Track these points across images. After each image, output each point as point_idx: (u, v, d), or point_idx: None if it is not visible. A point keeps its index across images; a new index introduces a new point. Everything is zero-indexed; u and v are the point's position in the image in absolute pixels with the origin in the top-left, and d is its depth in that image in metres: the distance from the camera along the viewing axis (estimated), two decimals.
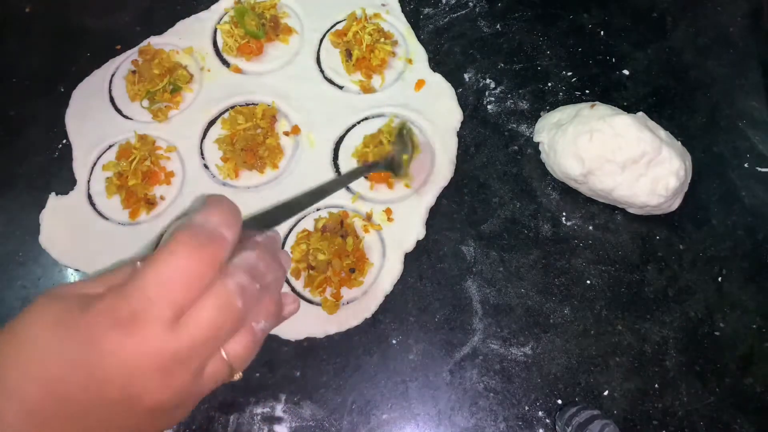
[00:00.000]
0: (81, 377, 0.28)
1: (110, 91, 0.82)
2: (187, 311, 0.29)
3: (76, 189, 0.76)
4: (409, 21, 0.86)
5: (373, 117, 0.79)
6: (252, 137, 0.75)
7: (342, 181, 0.66)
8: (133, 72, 0.80)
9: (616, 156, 0.68)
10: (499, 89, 0.82)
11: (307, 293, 0.69)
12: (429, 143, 0.77)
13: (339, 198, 0.74)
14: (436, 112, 0.79)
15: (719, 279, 0.71)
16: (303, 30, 0.85)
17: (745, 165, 0.77)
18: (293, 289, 0.70)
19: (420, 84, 0.81)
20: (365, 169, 0.69)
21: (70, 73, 0.83)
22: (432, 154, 0.76)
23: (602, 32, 0.85)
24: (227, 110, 0.79)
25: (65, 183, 0.76)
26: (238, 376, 0.34)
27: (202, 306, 0.29)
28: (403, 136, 0.72)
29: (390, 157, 0.71)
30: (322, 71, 0.83)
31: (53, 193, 0.76)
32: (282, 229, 0.73)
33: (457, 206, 0.74)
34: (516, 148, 0.78)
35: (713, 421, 0.64)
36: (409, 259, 0.71)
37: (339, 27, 0.84)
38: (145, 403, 0.29)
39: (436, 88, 0.81)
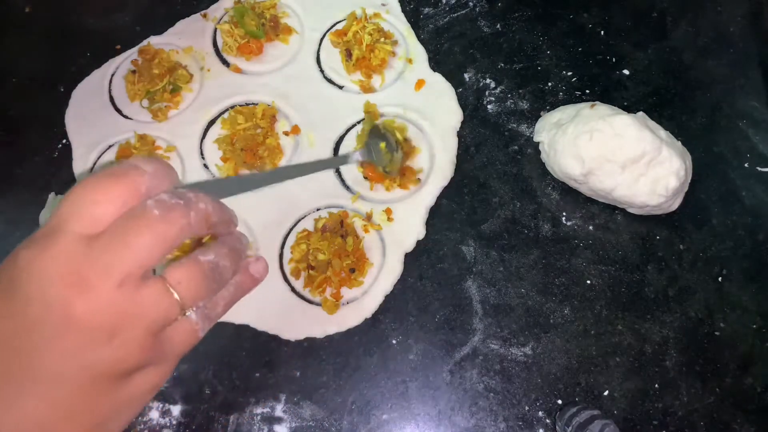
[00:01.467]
0: (3, 301, 0.28)
1: (110, 91, 0.82)
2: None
3: None
4: (409, 21, 0.86)
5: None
6: (252, 137, 0.75)
7: (306, 168, 0.62)
8: (133, 72, 0.80)
9: (617, 156, 0.67)
10: (499, 89, 0.82)
11: (307, 293, 0.69)
12: (428, 142, 0.77)
13: (339, 198, 0.74)
14: (436, 112, 0.79)
15: (719, 279, 0.71)
16: (303, 30, 0.85)
17: (746, 165, 0.77)
18: (293, 289, 0.70)
19: (420, 84, 0.81)
20: (340, 160, 0.70)
21: (70, 73, 0.83)
22: (431, 153, 0.76)
23: (602, 32, 0.85)
24: (227, 110, 0.79)
25: (65, 183, 0.76)
26: (193, 317, 0.32)
27: (118, 220, 0.29)
28: (378, 127, 0.73)
29: (366, 145, 0.71)
30: (322, 71, 0.83)
31: (53, 193, 0.75)
32: (282, 229, 0.73)
33: (457, 206, 0.74)
34: (516, 148, 0.78)
35: (713, 421, 0.64)
36: (409, 259, 0.71)
37: (339, 27, 0.84)
38: (74, 320, 0.28)
39: (436, 87, 0.81)
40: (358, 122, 0.79)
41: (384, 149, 0.71)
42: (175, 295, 0.30)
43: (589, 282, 0.71)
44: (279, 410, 0.65)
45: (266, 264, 0.38)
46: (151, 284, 0.30)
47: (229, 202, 0.36)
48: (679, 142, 0.73)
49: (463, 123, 0.79)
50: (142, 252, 0.29)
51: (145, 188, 0.30)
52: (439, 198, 0.74)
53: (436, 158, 0.76)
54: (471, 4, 0.88)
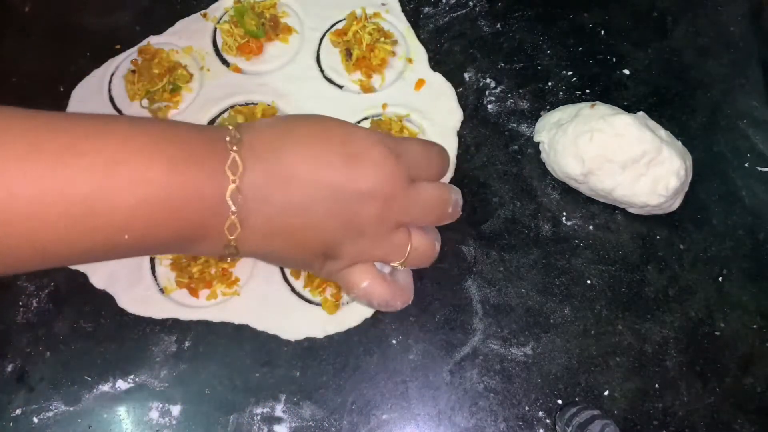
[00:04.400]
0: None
1: (110, 90, 0.82)
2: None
3: None
4: (409, 20, 0.86)
5: (373, 117, 0.79)
6: None
7: None
8: (133, 71, 0.80)
9: (617, 156, 0.67)
10: (499, 89, 0.82)
11: (307, 293, 0.69)
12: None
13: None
14: (436, 111, 0.79)
15: (720, 279, 0.71)
16: (303, 29, 0.85)
17: (746, 165, 0.77)
18: (293, 289, 0.70)
19: (420, 83, 0.81)
20: None
21: (70, 72, 0.83)
22: None
23: (603, 32, 0.85)
24: (227, 110, 0.79)
25: None
26: (400, 266, 0.43)
27: (427, 185, 0.43)
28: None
29: None
30: (322, 71, 0.83)
31: None
32: None
33: None
34: (516, 147, 0.78)
35: (713, 421, 0.64)
36: None
37: (339, 26, 0.84)
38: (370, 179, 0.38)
39: (436, 87, 0.81)
40: (358, 122, 0.79)
41: None
42: (406, 252, 0.42)
43: (589, 282, 0.71)
44: (279, 410, 0.65)
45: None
46: (402, 232, 0.42)
47: None
48: (679, 142, 0.73)
49: (463, 123, 0.79)
50: (428, 221, 0.45)
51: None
52: None
53: None
54: (471, 3, 0.88)
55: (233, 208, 0.34)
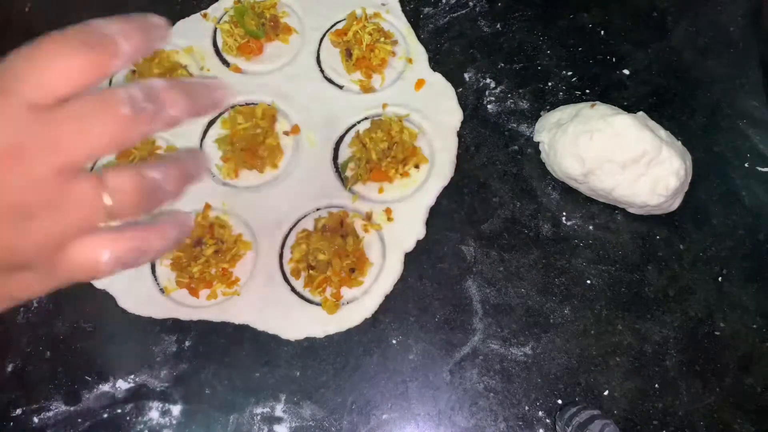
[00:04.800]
0: None
1: None
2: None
3: None
4: (409, 20, 0.86)
5: (373, 117, 0.79)
6: (252, 137, 0.75)
7: None
8: (133, 72, 0.80)
9: (617, 156, 0.67)
10: (499, 89, 0.82)
11: (307, 293, 0.69)
12: (428, 142, 0.77)
13: (339, 198, 0.75)
14: (436, 111, 0.79)
15: (719, 279, 0.71)
16: (303, 29, 0.85)
17: (746, 165, 0.77)
18: (293, 289, 0.70)
19: (420, 84, 0.81)
20: None
21: None
22: (431, 153, 0.76)
23: (602, 32, 0.85)
24: (227, 110, 0.79)
25: None
26: (114, 223, 0.27)
27: (78, 97, 0.25)
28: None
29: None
30: (322, 71, 0.83)
31: None
32: (282, 229, 0.73)
33: (457, 206, 0.74)
34: (516, 147, 0.78)
35: (713, 421, 0.64)
36: (409, 259, 0.71)
37: (339, 26, 0.84)
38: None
39: (436, 87, 0.81)
40: (358, 122, 0.79)
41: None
42: (108, 201, 0.26)
43: (589, 282, 0.71)
44: (279, 410, 0.65)
45: (191, 224, 0.32)
46: (84, 180, 0.25)
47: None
48: (679, 142, 0.73)
49: (463, 123, 0.79)
50: (94, 143, 0.25)
51: (113, 70, 0.26)
52: (439, 198, 0.74)
53: (436, 158, 0.76)
54: (471, 4, 0.88)
55: None
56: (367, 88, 0.81)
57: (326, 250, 0.68)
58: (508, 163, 0.77)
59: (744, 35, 0.85)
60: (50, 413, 0.65)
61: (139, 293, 0.70)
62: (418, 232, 0.72)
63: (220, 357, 0.67)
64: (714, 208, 0.74)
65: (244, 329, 0.68)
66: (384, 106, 0.79)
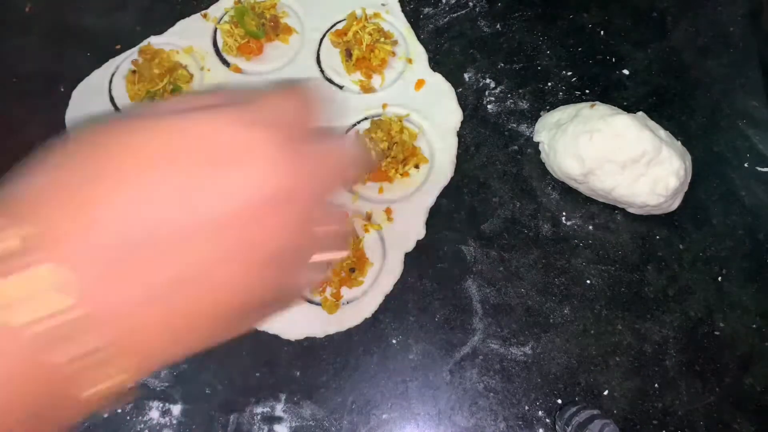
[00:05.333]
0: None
1: (110, 91, 0.82)
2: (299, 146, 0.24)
3: None
4: (409, 21, 0.86)
5: (373, 117, 0.79)
6: None
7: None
8: (133, 72, 0.80)
9: (616, 156, 0.68)
10: (499, 89, 0.82)
11: (307, 293, 0.69)
12: (428, 142, 0.77)
13: (339, 198, 0.74)
14: (436, 111, 0.79)
15: (719, 279, 0.71)
16: (303, 30, 0.85)
17: (745, 165, 0.77)
18: None
19: (420, 84, 0.81)
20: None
21: (70, 73, 0.83)
22: (431, 153, 0.76)
23: (602, 32, 0.85)
24: None
25: None
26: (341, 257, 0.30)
27: (317, 144, 0.26)
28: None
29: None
30: (322, 71, 0.83)
31: None
32: None
33: (457, 206, 0.74)
34: (516, 148, 0.78)
35: (713, 421, 0.64)
36: (409, 259, 0.71)
37: (339, 27, 0.84)
38: (267, 248, 0.23)
39: (436, 87, 0.81)
40: (358, 122, 0.79)
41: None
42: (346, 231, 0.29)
43: (589, 282, 0.71)
44: (279, 410, 0.65)
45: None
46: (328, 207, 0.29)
47: None
48: (679, 142, 0.73)
49: (463, 123, 0.79)
50: (324, 194, 0.28)
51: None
52: (439, 198, 0.74)
53: (436, 158, 0.76)
54: (471, 4, 0.88)
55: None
56: (367, 89, 0.81)
57: None
58: (508, 163, 0.77)
59: (744, 35, 0.85)
60: None
61: None
62: (418, 232, 0.72)
63: (220, 357, 0.67)
64: (714, 208, 0.74)
65: None
66: (384, 106, 0.79)
